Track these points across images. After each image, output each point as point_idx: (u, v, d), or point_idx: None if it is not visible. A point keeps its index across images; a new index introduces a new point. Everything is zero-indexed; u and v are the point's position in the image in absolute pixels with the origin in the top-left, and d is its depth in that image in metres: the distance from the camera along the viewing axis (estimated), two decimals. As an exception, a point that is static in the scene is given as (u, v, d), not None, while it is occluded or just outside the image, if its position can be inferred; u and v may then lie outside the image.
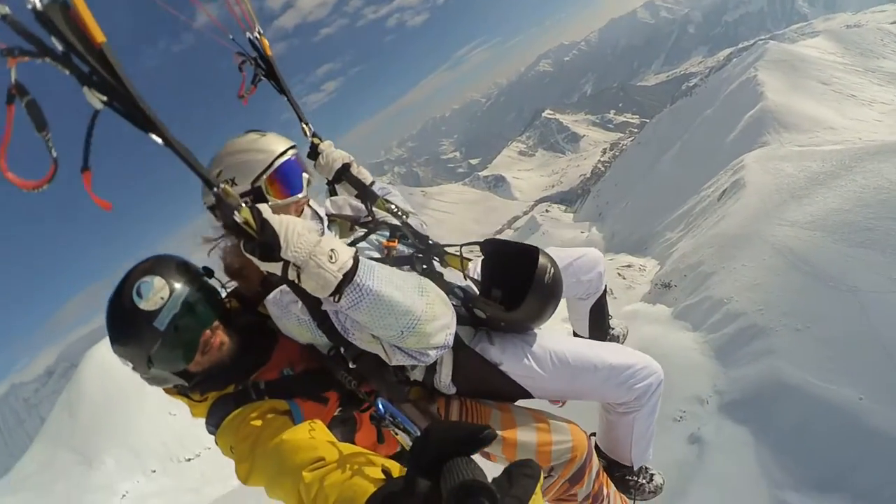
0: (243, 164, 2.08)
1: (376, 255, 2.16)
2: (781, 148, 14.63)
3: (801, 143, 14.48)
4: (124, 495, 21.77)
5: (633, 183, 33.01)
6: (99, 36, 1.12)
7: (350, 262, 1.55)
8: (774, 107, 18.07)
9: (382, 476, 1.35)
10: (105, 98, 1.16)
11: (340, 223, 2.41)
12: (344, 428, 2.11)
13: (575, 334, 3.26)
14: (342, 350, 1.89)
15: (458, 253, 2.36)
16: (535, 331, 2.27)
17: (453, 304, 2.00)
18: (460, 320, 2.05)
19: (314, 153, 2.75)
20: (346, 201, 2.60)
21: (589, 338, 3.06)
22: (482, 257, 2.39)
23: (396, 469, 1.41)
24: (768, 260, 7.09)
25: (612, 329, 3.32)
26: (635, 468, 2.58)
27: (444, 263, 2.33)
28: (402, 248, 2.25)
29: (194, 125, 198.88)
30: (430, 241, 2.41)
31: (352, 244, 2.13)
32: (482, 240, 2.39)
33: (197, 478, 22.35)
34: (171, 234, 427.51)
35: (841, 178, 8.24)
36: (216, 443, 1.87)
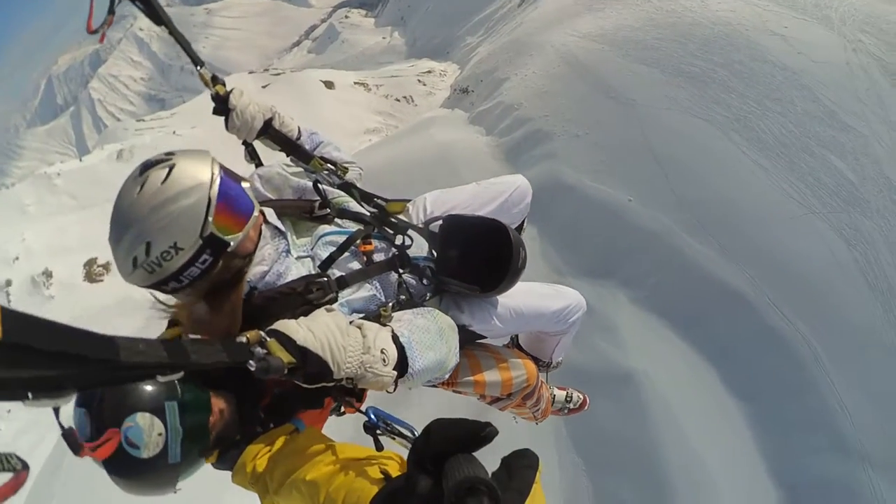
0: (174, 222, 1.50)
1: (357, 264, 1.96)
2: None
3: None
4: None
5: (435, -14, 31.65)
6: None
7: (396, 353, 1.47)
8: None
9: (381, 476, 1.40)
10: (72, 390, 0.74)
11: (292, 219, 2.05)
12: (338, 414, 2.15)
13: None
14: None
15: (399, 200, 2.40)
16: None
17: (425, 284, 2.12)
18: (431, 294, 2.17)
19: (222, 108, 2.10)
20: (285, 180, 2.15)
21: None
22: (424, 202, 2.43)
23: (395, 468, 1.45)
24: (557, 69, 7.21)
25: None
26: (554, 363, 3.08)
27: (386, 214, 2.22)
28: (378, 246, 2.06)
29: None
30: (375, 198, 2.30)
31: (328, 261, 1.86)
32: (445, 217, 2.35)
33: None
34: None
35: (637, -3, 8.39)
36: (233, 481, 1.72)
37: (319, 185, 2.15)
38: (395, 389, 1.53)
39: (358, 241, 2.04)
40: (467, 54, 14.37)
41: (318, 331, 1.33)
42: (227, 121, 2.15)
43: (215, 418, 1.65)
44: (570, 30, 8.34)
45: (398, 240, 2.15)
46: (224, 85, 2.15)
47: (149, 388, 1.50)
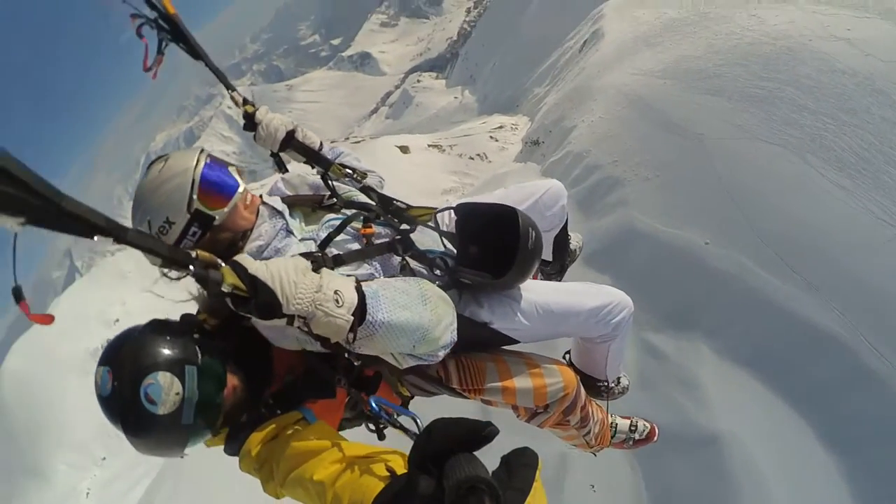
0: (167, 199, 1.89)
1: (356, 245, 2.12)
2: (640, -5, 14.61)
3: (660, -12, 14.46)
4: (88, 493, 21.21)
5: (499, 41, 32.56)
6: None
7: (356, 299, 1.51)
8: (630, -48, 17.80)
9: (387, 474, 1.39)
10: (21, 219, 0.90)
11: (301, 209, 2.34)
12: (356, 412, 2.16)
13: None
14: (346, 355, 1.77)
15: (423, 206, 2.44)
16: (520, 285, 2.34)
17: (438, 275, 2.17)
18: (445, 287, 2.08)
19: (250, 124, 2.43)
20: (302, 179, 2.46)
21: (552, 260, 3.29)
22: (449, 210, 2.45)
23: (400, 465, 1.44)
24: (622, 111, 7.15)
25: (570, 244, 3.52)
26: (609, 382, 2.87)
27: (412, 223, 2.34)
28: (379, 231, 2.21)
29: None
30: (395, 202, 2.41)
31: (327, 240, 2.06)
32: (454, 204, 2.42)
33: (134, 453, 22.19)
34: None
35: (695, 25, 8.28)
36: (240, 467, 1.81)
37: (329, 179, 2.38)
38: (354, 339, 1.53)
39: (359, 226, 2.18)
40: (536, 105, 14.59)
41: (273, 266, 1.43)
42: (255, 135, 2.45)
43: (228, 392, 1.78)
44: (631, 69, 8.31)
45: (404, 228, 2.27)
46: (253, 105, 2.45)
47: (171, 351, 1.64)
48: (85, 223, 1.02)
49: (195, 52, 2.39)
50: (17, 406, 26.82)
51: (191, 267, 1.29)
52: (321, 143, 2.52)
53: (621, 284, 4.47)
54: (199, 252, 1.33)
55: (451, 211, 2.45)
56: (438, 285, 1.99)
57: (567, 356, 2.96)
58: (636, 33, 10.22)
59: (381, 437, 1.87)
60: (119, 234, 1.10)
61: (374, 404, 1.70)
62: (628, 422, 3.06)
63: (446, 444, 1.08)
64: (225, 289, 1.33)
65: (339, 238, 2.11)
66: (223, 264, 1.37)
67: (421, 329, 1.66)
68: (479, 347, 2.33)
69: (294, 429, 1.79)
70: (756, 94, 5.51)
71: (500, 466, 1.11)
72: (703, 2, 9.15)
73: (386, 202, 2.39)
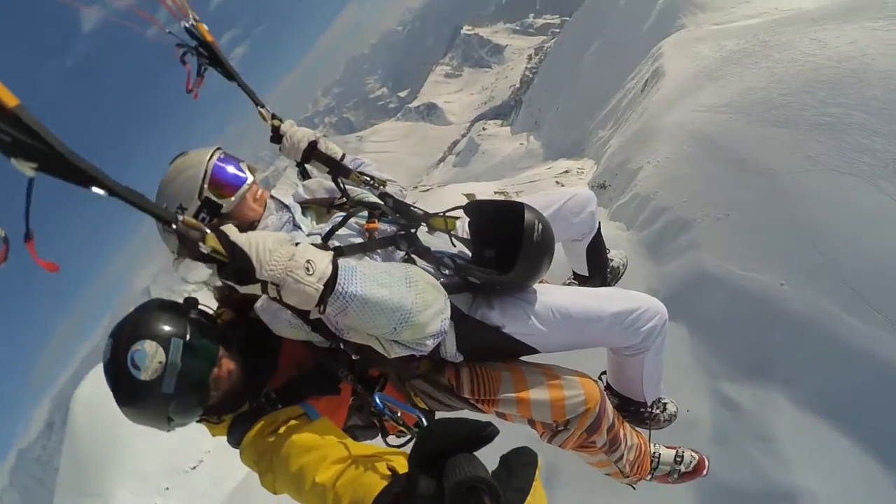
0: (181, 187, 2.12)
1: (359, 239, 2.17)
2: (698, 29, 14.47)
3: (718, 21, 14.28)
4: (149, 521, 22.34)
5: (561, 86, 32.66)
6: (10, 100, 1.02)
7: (329, 270, 1.55)
8: (684, -14, 17.74)
9: (389, 473, 1.38)
10: (35, 164, 1.09)
11: (316, 209, 2.45)
12: (361, 415, 2.20)
13: (575, 275, 3.34)
14: (342, 345, 1.86)
15: (442, 215, 2.36)
16: (535, 287, 2.26)
17: (446, 274, 2.13)
18: (456, 288, 2.10)
19: (276, 137, 2.68)
20: (320, 184, 2.59)
21: (588, 275, 3.20)
22: (468, 218, 2.40)
23: (402, 465, 1.43)
24: (688, 149, 7.02)
25: (612, 261, 3.40)
26: (648, 404, 2.69)
27: (430, 230, 2.36)
28: (384, 228, 2.25)
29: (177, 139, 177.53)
30: (412, 209, 2.40)
31: (330, 232, 2.14)
32: (464, 203, 2.34)
33: (206, 481, 23.08)
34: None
35: (755, 55, 8.10)
36: (241, 459, 1.89)
37: (340, 181, 2.50)
38: (323, 310, 1.56)
39: (364, 221, 2.24)
40: (601, 148, 14.50)
41: (253, 235, 1.51)
42: (280, 147, 2.66)
43: (221, 375, 1.86)
44: (695, 105, 8.18)
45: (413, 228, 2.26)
46: (280, 120, 2.67)
47: (161, 323, 1.75)
48: (85, 175, 1.17)
49: (229, 73, 2.64)
50: (86, 431, 28.10)
51: (174, 224, 1.39)
52: (343, 155, 2.67)
53: (695, 332, 4.39)
54: (185, 217, 1.43)
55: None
56: (443, 283, 2.02)
57: (603, 376, 2.78)
58: (697, 68, 10.11)
59: (385, 434, 1.92)
60: (111, 188, 1.24)
61: (378, 401, 1.67)
62: (673, 452, 2.85)
63: (446, 445, 1.09)
64: (204, 250, 1.43)
65: (342, 232, 2.19)
66: (208, 231, 1.45)
67: (401, 310, 1.66)
68: (495, 356, 2.24)
69: (295, 423, 1.83)
70: (824, 121, 5.34)
71: (500, 466, 1.11)
72: (762, 29, 8.99)
73: (401, 207, 2.40)
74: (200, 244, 1.41)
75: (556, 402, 2.13)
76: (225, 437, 2.00)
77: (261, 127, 2.69)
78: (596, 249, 3.10)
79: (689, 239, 5.40)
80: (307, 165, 2.73)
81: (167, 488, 24.01)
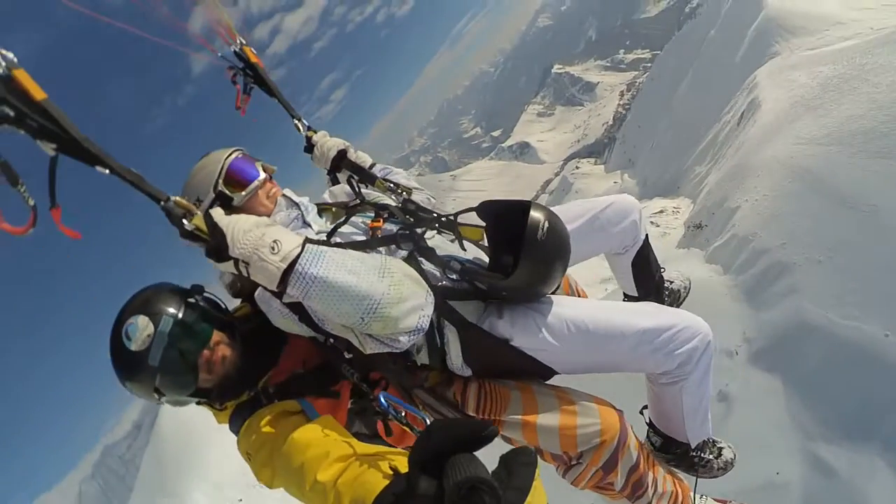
0: (200, 182, 2.26)
1: (361, 237, 2.16)
2: (792, 56, 13.81)
3: (812, 45, 13.60)
4: (219, 527, 23.35)
5: (655, 122, 32.03)
6: (38, 94, 1.33)
7: (295, 252, 1.60)
8: (777, 13, 16.99)
9: (391, 472, 1.37)
10: (55, 146, 1.38)
11: (334, 212, 2.47)
12: (364, 419, 2.14)
13: (625, 296, 3.03)
14: (333, 340, 1.90)
15: (475, 224, 2.21)
16: (552, 298, 2.08)
17: (453, 278, 2.02)
18: (464, 294, 2.01)
19: (310, 147, 2.83)
20: (343, 189, 2.63)
21: (639, 295, 2.85)
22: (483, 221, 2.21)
23: (405, 465, 1.40)
24: (787, 186, 6.68)
25: (671, 283, 3.08)
26: (692, 445, 2.33)
27: (457, 238, 2.22)
28: (388, 228, 2.22)
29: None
30: (436, 215, 2.32)
31: (333, 230, 2.19)
32: (476, 204, 2.18)
33: (277, 497, 23.59)
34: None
35: (853, 80, 7.66)
36: (238, 447, 1.97)
37: (356, 183, 2.56)
38: (283, 289, 1.61)
39: (369, 220, 2.24)
40: (697, 186, 14.02)
41: (234, 217, 1.63)
42: (312, 156, 2.79)
43: (214, 358, 1.95)
44: (793, 138, 7.81)
45: (420, 232, 2.19)
46: (314, 131, 2.82)
47: (156, 302, 1.89)
48: (91, 155, 1.42)
49: (270, 90, 2.85)
50: (170, 435, 29.28)
51: (161, 202, 1.56)
52: (373, 164, 2.76)
53: (790, 386, 4.13)
54: (177, 198, 1.59)
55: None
56: (449, 287, 1.98)
57: (645, 411, 2.46)
58: (793, 98, 9.67)
59: (389, 432, 1.89)
60: (112, 167, 1.47)
61: (382, 399, 1.65)
62: None
63: (447, 445, 1.08)
64: (189, 227, 1.57)
65: (346, 230, 2.21)
66: (198, 212, 1.61)
67: (369, 300, 1.62)
68: (508, 375, 2.09)
69: (297, 419, 1.85)
70: (932, 152, 4.91)
71: (500, 466, 1.09)
72: (858, 52, 8.50)
73: (421, 211, 2.34)
74: (185, 222, 1.56)
75: (567, 430, 1.92)
76: (225, 423, 2.10)
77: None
78: (644, 264, 2.74)
79: (789, 284, 5.09)
80: (338, 175, 2.79)
81: (240, 500, 24.71)
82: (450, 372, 2.11)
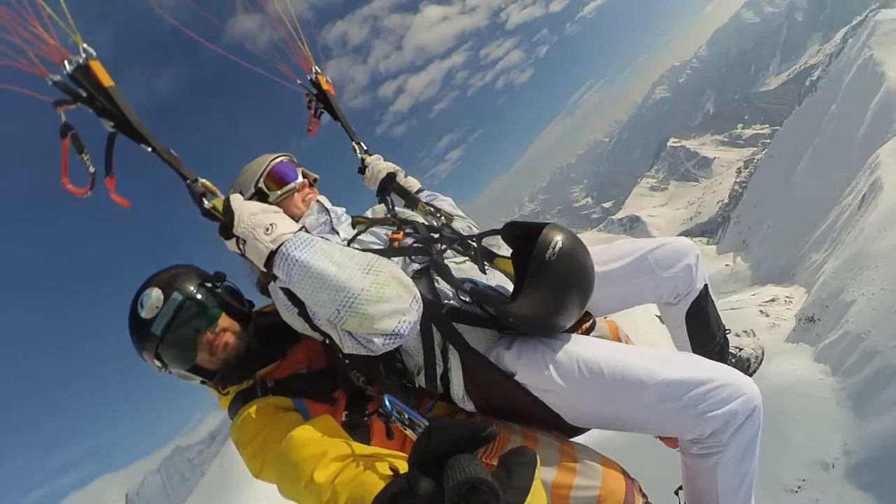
0: (246, 178, 2.42)
1: (378, 246, 2.18)
2: (916, 132, 12.95)
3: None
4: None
5: (773, 201, 30.58)
6: (107, 81, 1.62)
7: (286, 236, 1.70)
8: (899, 86, 16.11)
9: (391, 473, 1.36)
10: (112, 123, 1.65)
11: (367, 225, 2.45)
12: (355, 434, 2.05)
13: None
14: (329, 340, 1.88)
15: (505, 256, 2.11)
16: (572, 336, 1.89)
17: (464, 301, 1.94)
18: (474, 320, 1.91)
19: (363, 168, 2.95)
20: (383, 208, 2.71)
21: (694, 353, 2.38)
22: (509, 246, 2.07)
23: (404, 466, 1.39)
24: None
25: (740, 350, 2.70)
26: None
27: (478, 257, 2.14)
28: (407, 242, 2.21)
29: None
30: (468, 240, 2.27)
31: (354, 237, 2.24)
32: (502, 226, 2.01)
33: None
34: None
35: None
36: (231, 435, 2.03)
37: (389, 199, 2.68)
38: (269, 270, 1.70)
39: (390, 232, 2.27)
40: (813, 274, 13.20)
41: (247, 203, 1.76)
42: (364, 178, 2.89)
43: (217, 342, 2.04)
44: None
45: (440, 249, 2.21)
46: (370, 154, 2.93)
47: (174, 281, 2.02)
48: (140, 136, 1.66)
49: (335, 114, 2.98)
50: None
51: (189, 181, 1.73)
52: (420, 189, 2.82)
53: None
54: (204, 181, 1.75)
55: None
56: (459, 309, 1.92)
57: (680, 492, 2.03)
58: (919, 179, 8.99)
59: (390, 435, 1.80)
60: (155, 146, 1.69)
61: (386, 402, 1.58)
62: None
63: (446, 445, 1.07)
64: (207, 206, 1.73)
65: (366, 238, 2.25)
66: (220, 194, 1.78)
67: (346, 291, 1.62)
68: (513, 417, 1.92)
69: (296, 417, 1.90)
70: None
71: (499, 466, 1.07)
72: None
73: (455, 236, 2.32)
74: (205, 200, 1.74)
75: (560, 488, 1.69)
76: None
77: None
78: (700, 318, 2.32)
79: (900, 391, 4.57)
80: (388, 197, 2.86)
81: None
82: (455, 405, 2.00)
